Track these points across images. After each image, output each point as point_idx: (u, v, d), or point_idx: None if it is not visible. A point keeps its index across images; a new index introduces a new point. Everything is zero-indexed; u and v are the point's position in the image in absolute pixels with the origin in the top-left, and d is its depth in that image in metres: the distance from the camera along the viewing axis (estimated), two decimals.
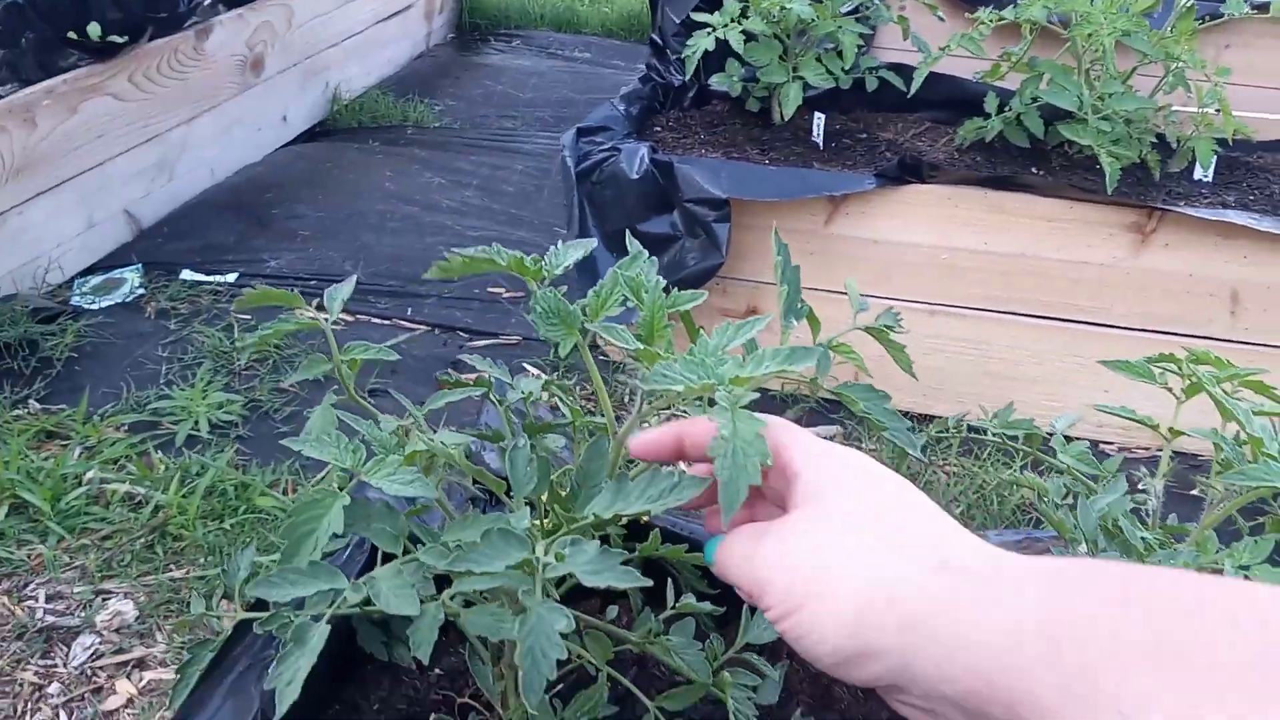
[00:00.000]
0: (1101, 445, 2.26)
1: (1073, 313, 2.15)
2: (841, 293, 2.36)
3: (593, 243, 0.95)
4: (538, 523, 0.77)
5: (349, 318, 2.64)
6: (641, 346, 0.81)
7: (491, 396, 1.03)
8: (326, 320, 0.85)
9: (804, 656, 0.52)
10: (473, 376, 1.05)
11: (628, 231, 0.98)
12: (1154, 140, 2.28)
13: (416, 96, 4.03)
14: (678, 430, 0.64)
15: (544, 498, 0.80)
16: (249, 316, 2.57)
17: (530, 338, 2.57)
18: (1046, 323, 2.17)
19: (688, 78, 2.47)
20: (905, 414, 2.31)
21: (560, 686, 1.03)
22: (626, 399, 2.32)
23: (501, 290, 2.76)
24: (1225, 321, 2.09)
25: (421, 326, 2.63)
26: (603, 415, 0.93)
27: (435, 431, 1.05)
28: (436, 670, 1.07)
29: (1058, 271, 2.12)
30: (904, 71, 2.50)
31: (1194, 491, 2.11)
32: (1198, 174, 2.34)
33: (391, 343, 1.07)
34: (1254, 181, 2.41)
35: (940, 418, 2.29)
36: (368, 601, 0.66)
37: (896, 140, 2.55)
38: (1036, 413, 2.22)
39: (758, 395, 0.75)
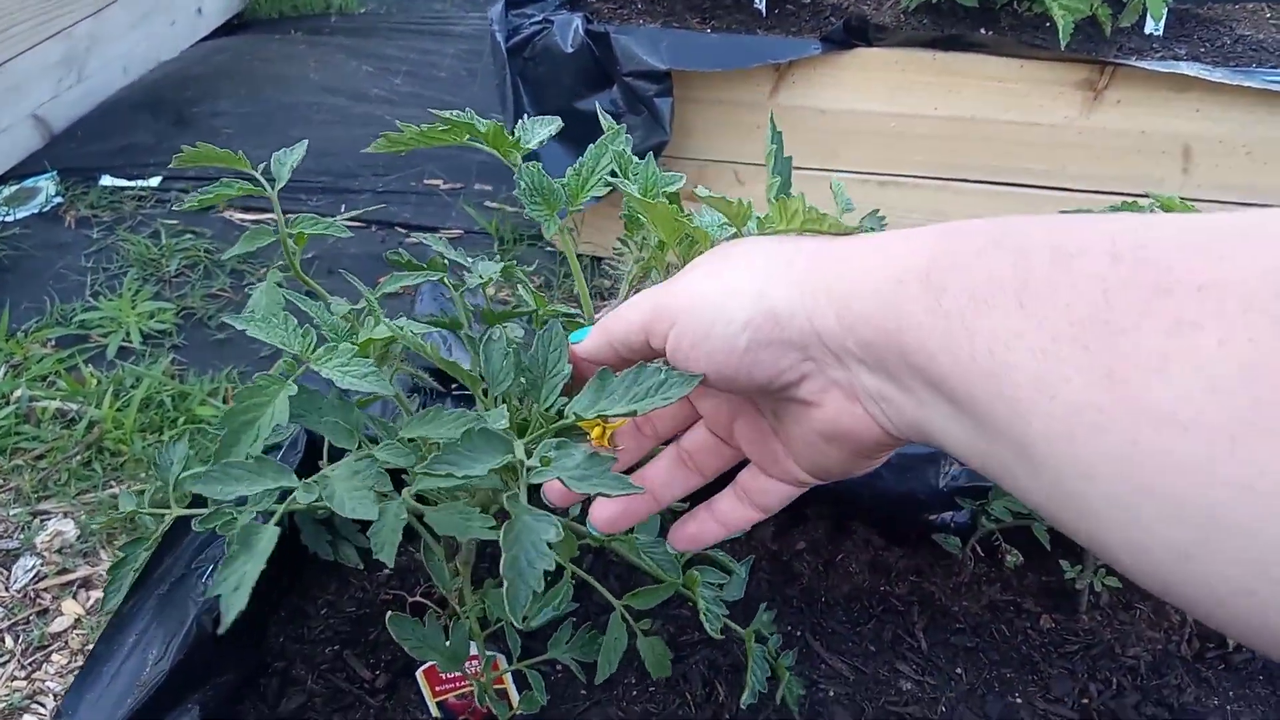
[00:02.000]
0: None
1: (1025, 177, 2.11)
2: (796, 167, 2.28)
3: (558, 121, 0.87)
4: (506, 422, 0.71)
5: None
6: (653, 201, 0.74)
7: (447, 281, 0.97)
8: (273, 186, 0.78)
9: (711, 367, 0.50)
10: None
11: (597, 106, 0.92)
12: None
13: None
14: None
15: (511, 394, 0.74)
16: (176, 222, 2.45)
17: (472, 230, 2.48)
18: (999, 188, 2.13)
19: None
20: None
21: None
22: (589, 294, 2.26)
23: (439, 182, 2.65)
24: (1177, 179, 2.06)
25: (357, 222, 2.53)
26: (571, 305, 0.88)
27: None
28: (385, 570, 1.03)
29: (1009, 134, 2.06)
30: None
31: None
32: (1149, 28, 2.28)
33: (349, 214, 0.99)
34: (1205, 34, 2.35)
35: None
36: (319, 502, 0.61)
37: (841, 4, 2.45)
38: None
39: None
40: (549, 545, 0.54)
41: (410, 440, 0.65)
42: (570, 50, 2.07)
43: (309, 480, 0.59)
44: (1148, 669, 1.02)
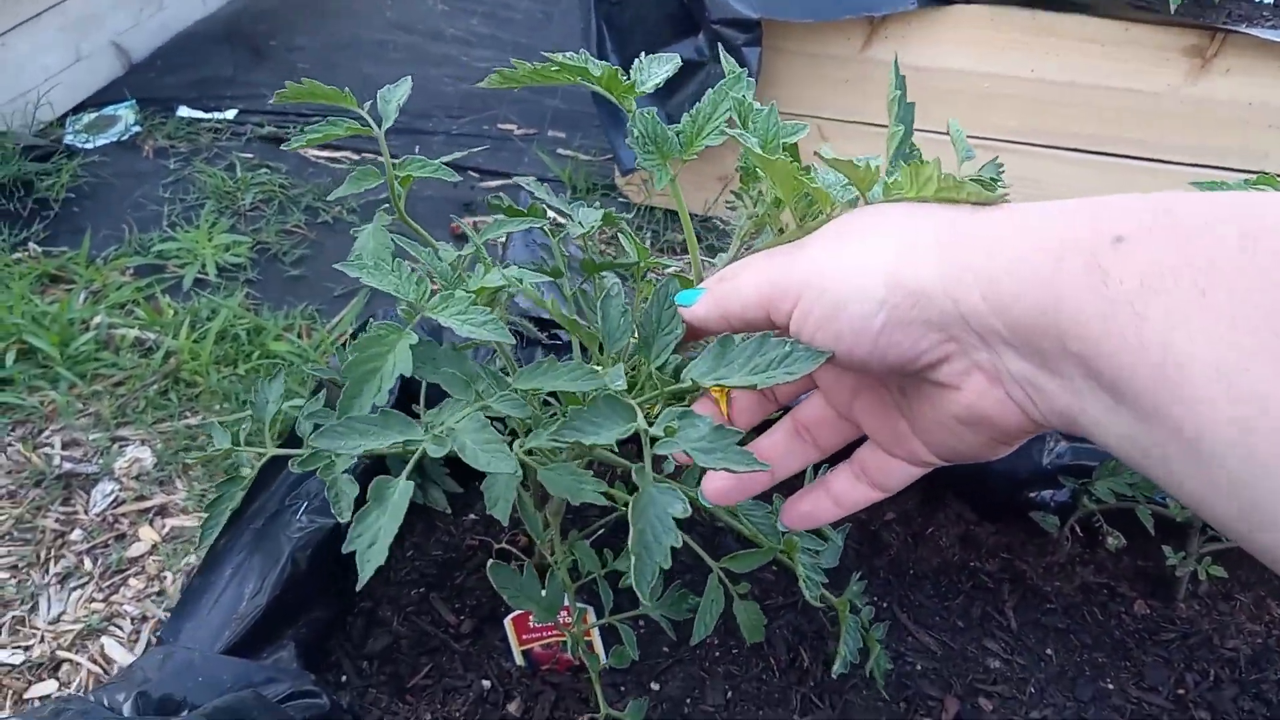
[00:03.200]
0: None
1: (1121, 146, 2.03)
2: (875, 124, 2.22)
3: (677, 59, 0.84)
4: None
5: (354, 156, 2.51)
6: (774, 158, 0.71)
7: (547, 229, 0.95)
8: (381, 128, 0.76)
9: (840, 347, 0.46)
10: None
11: (720, 48, 0.88)
12: None
13: None
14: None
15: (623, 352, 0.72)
16: (251, 155, 2.45)
17: (545, 178, 2.45)
18: (1092, 157, 2.06)
19: None
20: None
21: (602, 533, 0.99)
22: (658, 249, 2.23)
23: (513, 127, 2.63)
24: None
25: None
26: (685, 256, 0.85)
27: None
28: (470, 515, 1.02)
29: (1107, 100, 1.98)
30: None
31: None
32: None
33: (458, 154, 0.98)
34: None
35: None
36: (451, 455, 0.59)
37: None
38: None
39: None
40: (675, 520, 0.52)
41: (522, 392, 0.63)
42: None
43: (436, 433, 0.57)
44: (1247, 662, 0.98)
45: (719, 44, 1.99)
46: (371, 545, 0.48)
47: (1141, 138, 2.01)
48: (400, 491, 0.51)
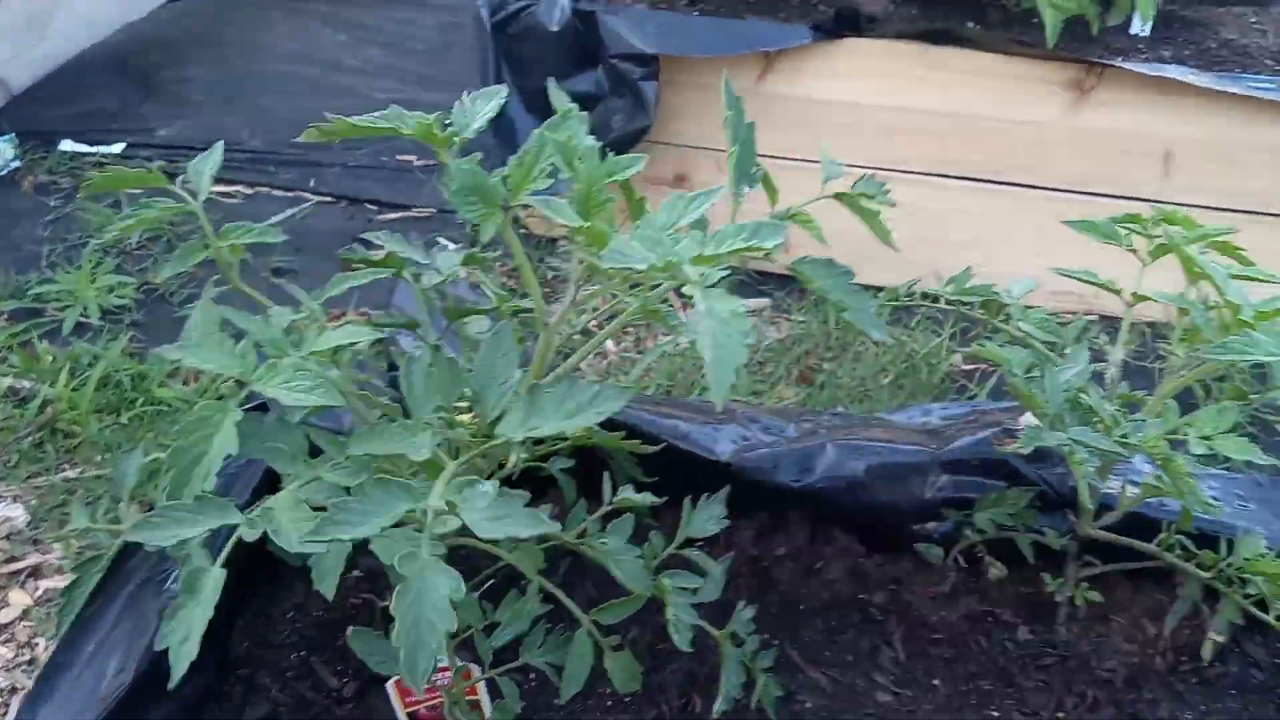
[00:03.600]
0: (1032, 311, 2.24)
1: (1009, 174, 2.09)
2: (778, 156, 2.26)
3: (503, 90, 0.83)
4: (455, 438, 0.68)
5: (247, 190, 2.45)
6: (584, 223, 0.71)
7: (406, 276, 0.93)
8: (198, 201, 0.74)
9: None
10: (383, 254, 0.94)
11: (550, 83, 0.87)
12: None
13: None
14: None
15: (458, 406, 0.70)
16: (139, 191, 2.37)
17: (445, 209, 2.43)
18: (983, 185, 2.11)
19: None
20: None
21: (492, 582, 0.97)
22: (550, 279, 2.22)
23: (412, 158, 2.60)
24: (1156, 184, 2.05)
25: (327, 198, 2.47)
26: (547, 289, 0.84)
27: (344, 316, 0.95)
28: (355, 571, 1.00)
29: (996, 131, 2.04)
30: None
31: (1142, 363, 2.12)
32: (1135, 28, 2.26)
33: (288, 213, 0.96)
34: (1190, 36, 2.34)
35: (876, 286, 2.24)
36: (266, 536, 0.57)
37: None
38: (975, 275, 2.19)
39: (729, 273, 0.67)
40: (452, 604, 0.51)
41: (359, 457, 0.61)
42: (556, 29, 2.02)
43: (252, 515, 0.55)
44: (1123, 682, 1.01)
45: (617, 78, 2.01)
46: (184, 641, 0.46)
47: (1029, 166, 2.08)
48: (213, 583, 0.49)
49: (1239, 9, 2.54)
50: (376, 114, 0.76)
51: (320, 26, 3.14)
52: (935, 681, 1.00)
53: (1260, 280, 0.86)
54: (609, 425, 0.97)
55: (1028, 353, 0.90)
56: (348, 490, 0.65)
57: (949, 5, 2.27)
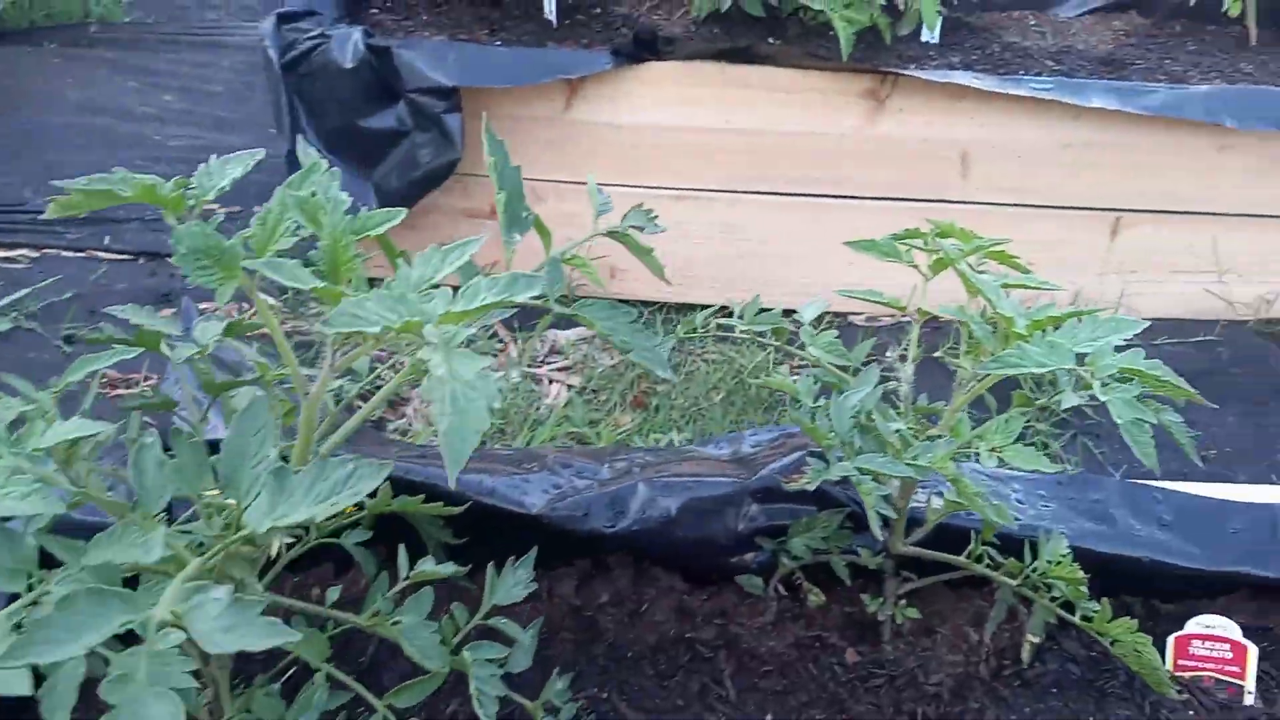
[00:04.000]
0: (849, 316, 2.29)
1: (814, 186, 2.14)
2: (581, 181, 2.23)
3: (260, 154, 0.78)
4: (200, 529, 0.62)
5: (33, 253, 2.28)
6: (321, 284, 0.66)
7: (163, 352, 0.86)
8: None
9: None
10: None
11: (299, 140, 0.82)
12: (883, 3, 2.27)
13: None
14: None
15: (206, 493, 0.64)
16: None
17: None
18: (791, 199, 2.15)
19: None
20: (660, 305, 2.25)
21: (291, 673, 0.91)
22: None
23: (216, 205, 2.46)
24: (958, 185, 2.13)
25: (124, 255, 2.32)
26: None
27: (147, 380, 0.87)
28: None
29: (798, 145, 2.08)
30: None
31: (937, 354, 2.18)
32: (925, 36, 2.35)
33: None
34: (976, 41, 2.45)
35: (697, 306, 2.24)
36: None
37: (632, 14, 2.42)
38: (792, 290, 2.22)
39: (474, 332, 0.63)
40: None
41: (95, 567, 0.55)
42: (350, 66, 1.95)
43: None
44: (950, 694, 1.02)
45: (420, 112, 1.95)
46: None
47: (833, 176, 2.12)
48: None
49: (1019, 12, 2.68)
50: (99, 176, 0.69)
51: (109, 74, 2.96)
52: (768, 716, 0.99)
53: (1033, 288, 0.88)
54: (409, 488, 0.91)
55: (817, 372, 0.89)
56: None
57: (747, 23, 2.31)
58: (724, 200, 2.15)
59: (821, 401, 0.84)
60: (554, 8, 2.33)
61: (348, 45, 1.94)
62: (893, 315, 2.32)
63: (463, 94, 1.96)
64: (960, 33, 2.51)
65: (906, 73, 2.00)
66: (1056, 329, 0.78)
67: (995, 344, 0.79)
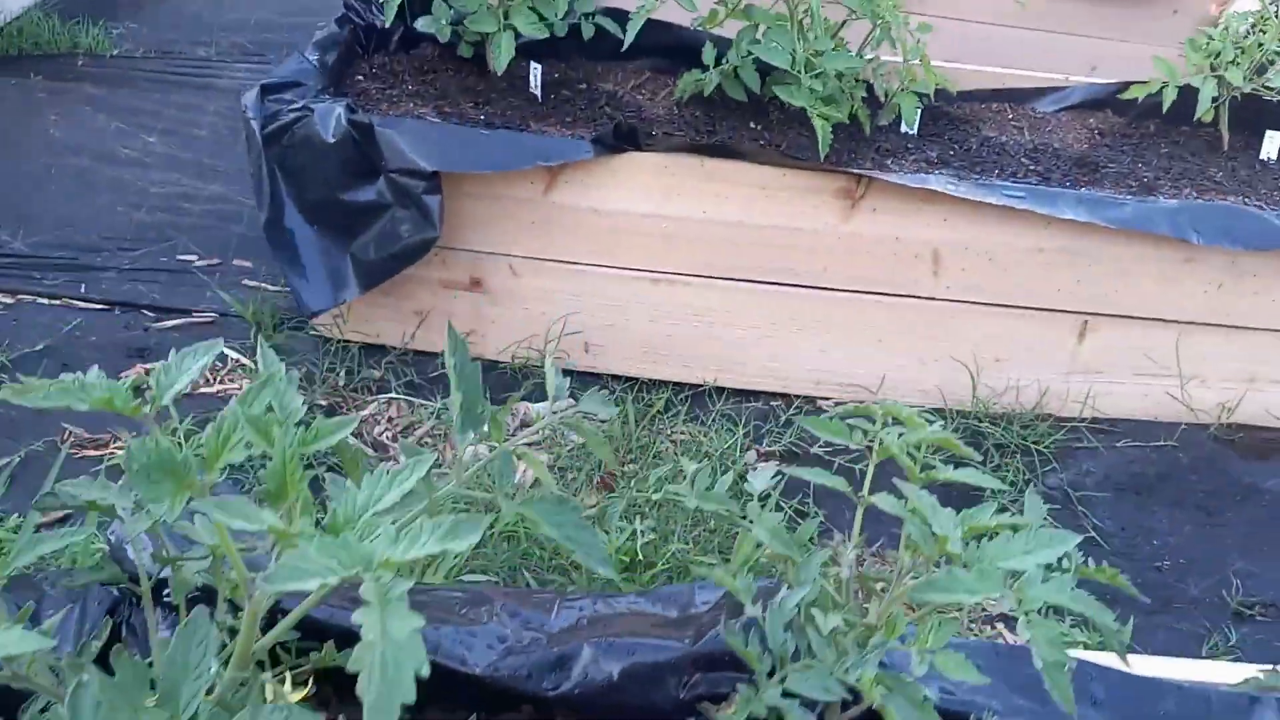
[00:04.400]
0: (818, 401, 2.32)
1: (790, 277, 2.17)
2: (565, 261, 2.26)
3: (219, 344, 0.79)
4: None
5: (8, 299, 2.28)
6: (274, 523, 0.66)
7: (119, 512, 0.86)
8: None
9: None
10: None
11: (260, 342, 0.83)
12: (864, 95, 2.30)
13: (89, 18, 3.50)
14: None
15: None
16: None
17: (228, 313, 2.31)
18: (766, 287, 2.18)
19: (389, 23, 2.24)
20: (631, 379, 2.27)
21: None
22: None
23: (193, 257, 2.47)
24: (929, 281, 2.17)
25: (99, 305, 2.32)
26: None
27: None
28: None
29: (774, 238, 2.11)
30: (623, 17, 2.39)
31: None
32: (904, 127, 2.39)
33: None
34: (955, 133, 2.50)
35: (668, 383, 2.27)
36: None
37: (616, 92, 2.45)
38: (761, 372, 2.26)
39: (413, 582, 0.64)
40: None
41: None
42: (332, 140, 1.97)
43: None
44: None
45: (400, 190, 1.96)
46: None
47: (806, 268, 2.15)
48: None
49: (998, 105, 2.73)
50: (57, 385, 0.70)
51: (91, 113, 2.96)
52: None
53: (974, 482, 0.90)
54: (347, 639, 0.92)
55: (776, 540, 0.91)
56: None
57: (729, 107, 2.34)
58: (699, 284, 2.18)
59: (760, 609, 0.86)
60: (539, 83, 2.36)
61: (330, 119, 1.96)
62: (860, 402, 2.35)
63: (443, 174, 1.98)
64: (940, 122, 2.55)
65: (880, 176, 2.03)
66: (991, 539, 0.80)
67: (932, 548, 0.81)
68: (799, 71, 2.11)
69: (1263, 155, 2.58)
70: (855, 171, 2.05)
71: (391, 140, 1.94)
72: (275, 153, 2.00)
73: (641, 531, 1.85)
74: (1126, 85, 2.59)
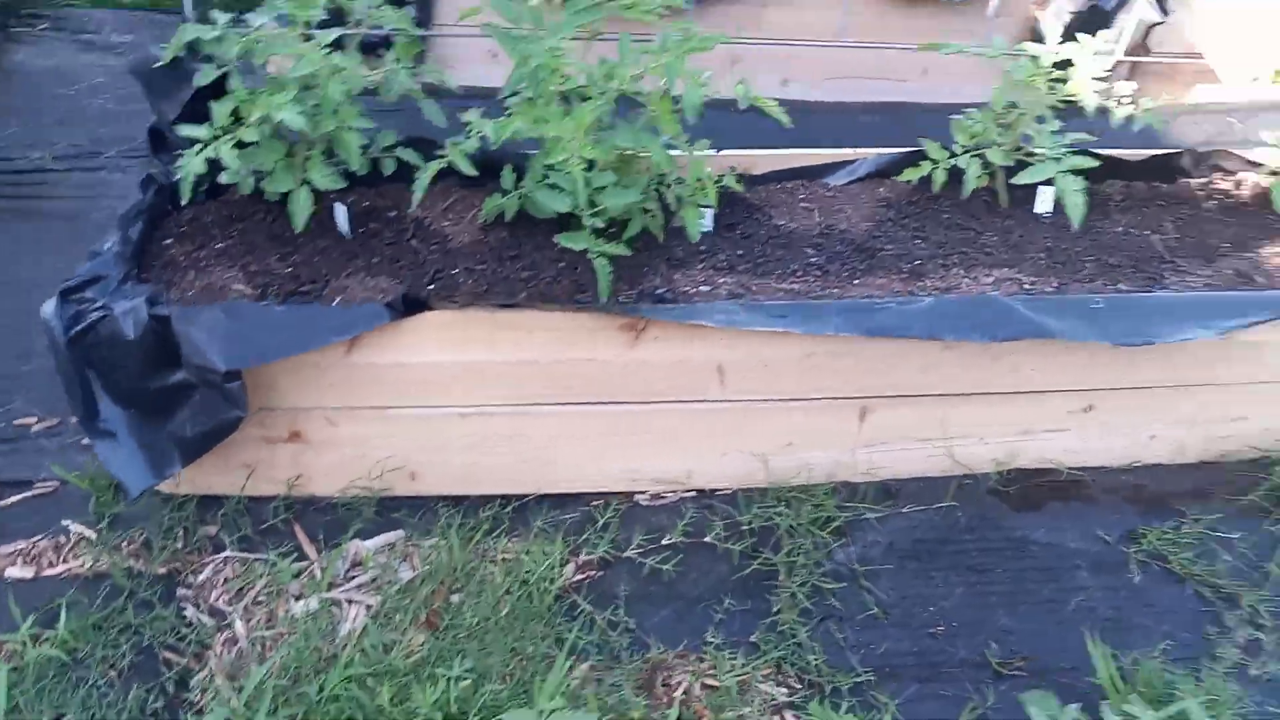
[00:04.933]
0: (635, 495, 2.53)
1: (591, 396, 2.35)
2: (377, 407, 2.41)
3: None
4: None
5: None
6: None
7: None
8: None
9: None
10: None
11: None
12: (656, 203, 2.47)
13: None
14: None
15: None
16: None
17: (72, 483, 2.43)
18: (570, 407, 2.36)
19: (185, 201, 2.33)
20: (459, 498, 2.46)
21: None
22: None
23: (31, 421, 2.57)
24: (717, 389, 2.37)
25: None
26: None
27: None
28: None
29: (571, 369, 2.29)
30: (429, 146, 2.50)
31: (707, 539, 2.44)
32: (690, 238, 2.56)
33: None
34: (749, 225, 2.68)
35: (494, 496, 2.45)
36: None
37: (425, 219, 2.57)
38: (570, 478, 2.46)
39: None
40: None
41: None
42: (134, 337, 2.08)
43: None
44: None
45: (204, 377, 2.10)
46: None
47: (603, 390, 2.34)
48: None
49: (793, 183, 2.90)
50: None
51: None
52: None
53: None
54: None
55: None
56: None
57: (533, 226, 2.47)
58: (507, 412, 2.36)
59: None
60: (346, 220, 2.48)
61: (130, 318, 2.07)
62: (674, 492, 2.57)
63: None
64: (738, 210, 2.72)
65: (654, 317, 2.21)
66: None
67: None
68: (582, 209, 2.25)
69: (1037, 209, 2.81)
70: (634, 314, 2.22)
71: (188, 336, 2.06)
72: (80, 353, 2.11)
73: (460, 677, 2.04)
74: (912, 155, 2.80)
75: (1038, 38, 3.98)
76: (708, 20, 3.99)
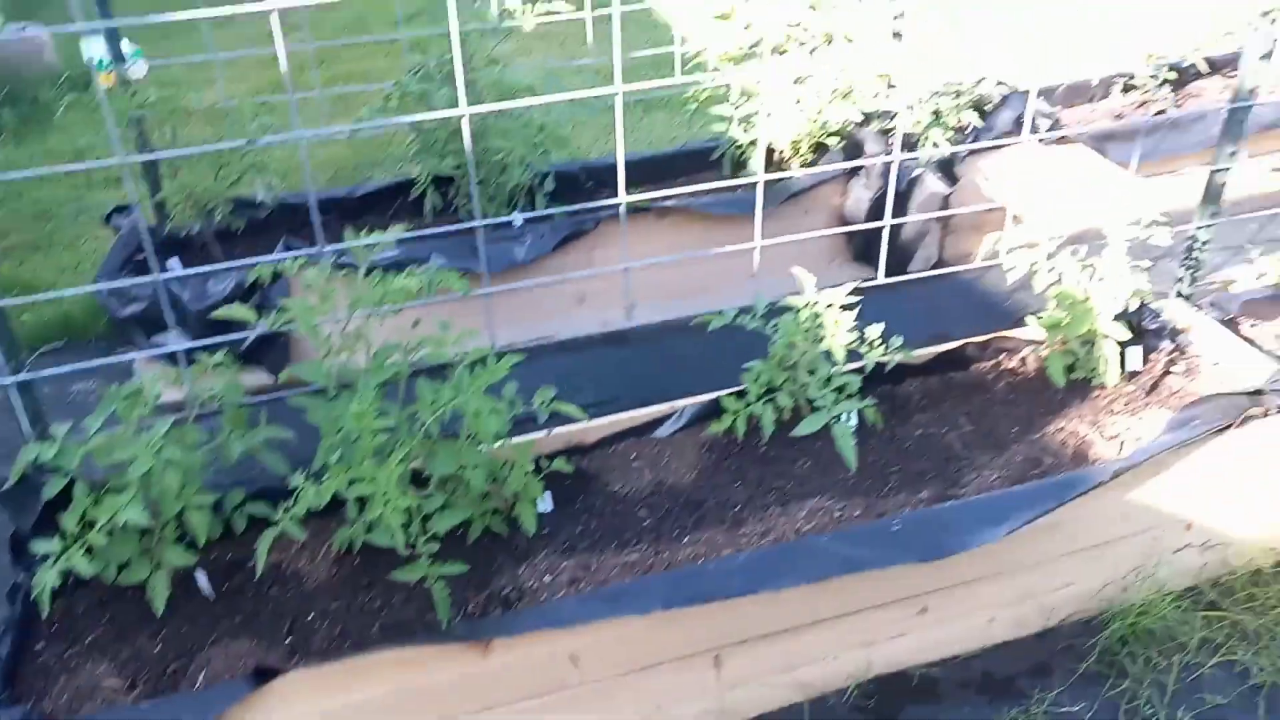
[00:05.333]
0: None
1: (451, 715, 2.49)
2: None
3: None
4: None
5: None
6: None
7: None
8: None
9: None
10: None
11: None
12: (496, 498, 2.68)
13: None
14: None
15: None
16: None
17: None
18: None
19: (44, 616, 2.49)
20: None
21: None
22: None
23: None
24: (575, 674, 2.53)
25: None
26: None
27: None
28: None
29: (428, 696, 2.43)
30: (277, 494, 2.70)
31: None
32: (541, 509, 2.75)
33: None
34: (586, 499, 2.89)
35: None
36: None
37: (282, 562, 2.74)
38: None
39: None
40: None
41: None
42: None
43: None
44: None
45: None
46: None
47: (460, 710, 2.48)
48: None
49: (624, 444, 3.14)
50: None
51: None
52: None
53: None
54: None
55: None
56: None
57: (383, 553, 2.64)
58: None
59: None
60: (208, 583, 2.65)
61: None
62: None
63: None
64: (576, 483, 2.94)
65: (496, 636, 2.39)
66: None
67: None
68: (414, 544, 2.45)
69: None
70: (480, 640, 2.39)
71: None
72: None
73: None
74: (714, 408, 3.06)
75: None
76: (550, 267, 4.25)
